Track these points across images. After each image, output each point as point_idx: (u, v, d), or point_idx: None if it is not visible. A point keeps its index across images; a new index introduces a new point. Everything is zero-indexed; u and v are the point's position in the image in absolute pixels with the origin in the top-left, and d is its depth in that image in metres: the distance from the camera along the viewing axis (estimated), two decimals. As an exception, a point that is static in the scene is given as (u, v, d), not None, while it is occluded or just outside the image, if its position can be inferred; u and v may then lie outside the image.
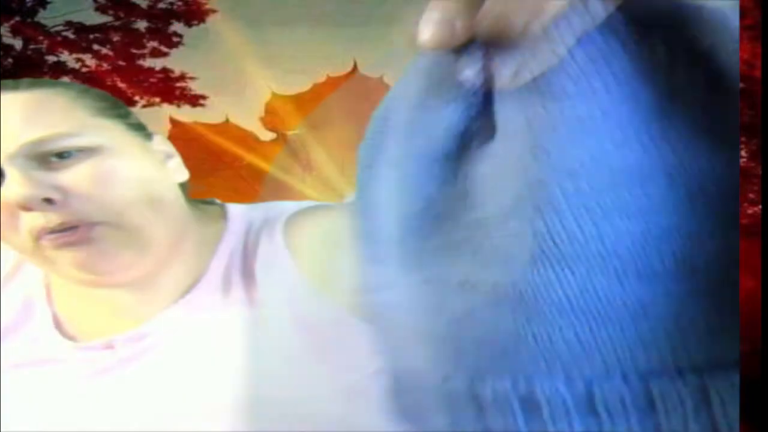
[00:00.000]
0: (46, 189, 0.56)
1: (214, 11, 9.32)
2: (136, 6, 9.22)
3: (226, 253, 0.65)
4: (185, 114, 9.92)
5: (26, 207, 0.56)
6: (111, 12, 9.24)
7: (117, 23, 9.35)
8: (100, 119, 0.61)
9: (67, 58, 9.39)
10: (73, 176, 0.58)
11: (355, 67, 1.78)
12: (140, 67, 9.51)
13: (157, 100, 9.39)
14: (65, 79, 9.29)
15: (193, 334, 0.62)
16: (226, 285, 0.63)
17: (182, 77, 9.53)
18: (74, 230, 0.57)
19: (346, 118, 1.72)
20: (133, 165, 0.61)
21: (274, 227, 0.65)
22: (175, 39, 9.48)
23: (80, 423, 0.60)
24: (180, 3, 9.34)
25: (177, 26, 9.42)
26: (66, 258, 0.58)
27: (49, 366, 0.63)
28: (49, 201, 0.56)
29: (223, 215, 0.68)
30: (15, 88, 0.60)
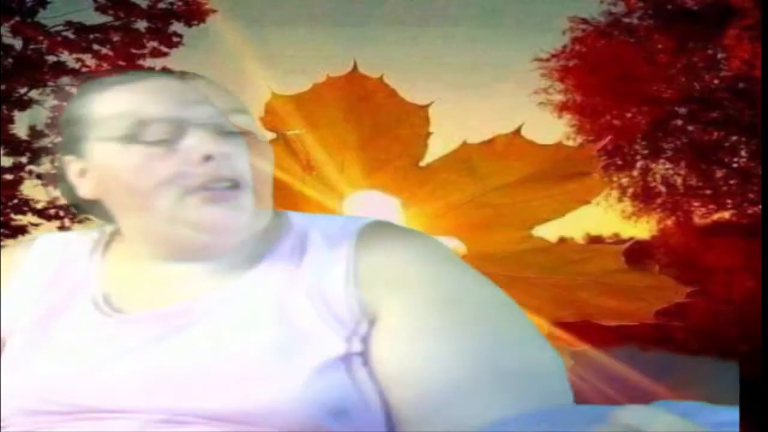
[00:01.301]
0: (228, 145, 0.69)
1: (214, 11, 9.34)
2: (136, 6, 9.23)
3: (283, 249, 0.73)
4: (185, 114, 9.86)
5: (209, 156, 0.68)
6: (111, 12, 9.25)
7: (117, 23, 9.36)
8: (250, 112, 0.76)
9: (67, 58, 9.40)
10: (243, 145, 0.71)
11: (355, 67, 1.77)
12: (140, 67, 9.52)
13: (157, 100, 9.40)
14: (65, 79, 9.28)
15: (236, 314, 0.67)
16: (275, 278, 0.70)
17: (182, 77, 9.56)
18: (234, 189, 0.69)
19: (346, 118, 1.72)
20: (270, 151, 0.76)
21: (342, 241, 0.71)
22: (175, 39, 9.50)
23: (129, 392, 0.64)
24: (180, 3, 9.36)
25: (177, 26, 9.44)
26: (205, 215, 0.68)
27: (98, 338, 0.68)
28: (228, 156, 0.69)
29: (282, 216, 0.78)
30: (198, 76, 0.74)
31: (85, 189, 0.74)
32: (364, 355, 0.66)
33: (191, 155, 0.68)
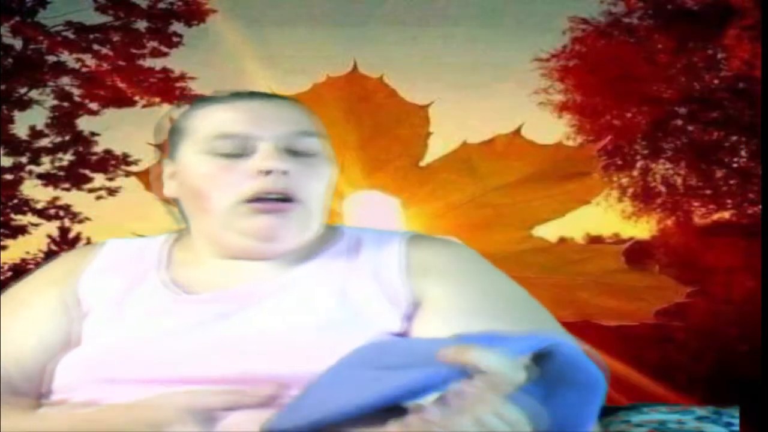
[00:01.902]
0: (288, 163, 0.78)
1: (214, 11, 9.32)
2: (136, 6, 9.22)
3: (339, 248, 0.83)
4: (185, 114, 9.82)
5: (269, 171, 0.77)
6: (111, 12, 9.23)
7: (117, 23, 9.34)
8: (322, 135, 0.85)
9: (67, 58, 9.39)
10: (305, 165, 0.80)
11: (355, 67, 1.77)
12: (140, 67, 9.51)
13: (157, 100, 9.38)
14: (65, 79, 9.28)
15: (298, 294, 0.77)
16: (333, 267, 0.80)
17: (182, 77, 9.54)
18: (285, 202, 0.77)
19: (346, 118, 1.72)
20: (332, 173, 0.84)
21: (393, 242, 0.82)
22: (175, 39, 9.48)
23: (196, 362, 0.70)
24: (180, 3, 9.34)
25: (177, 26, 9.43)
26: (254, 223, 0.77)
27: (167, 314, 0.77)
28: (285, 173, 0.77)
29: (335, 227, 0.87)
30: (286, 99, 0.85)
31: (169, 189, 0.86)
32: (409, 333, 0.75)
33: (252, 168, 0.77)
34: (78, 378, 0.73)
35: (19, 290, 0.84)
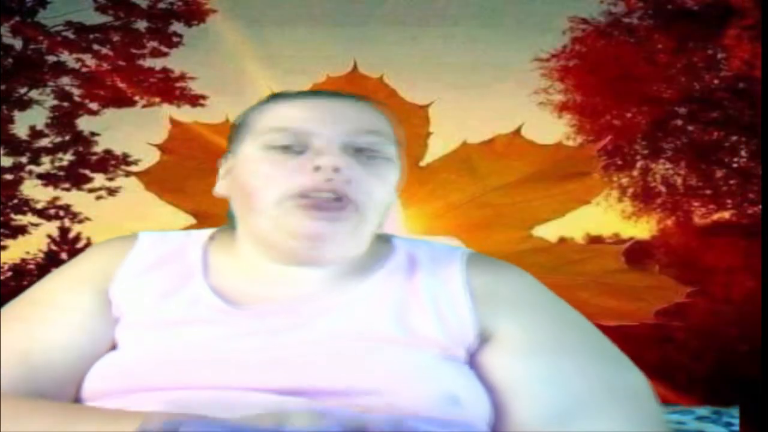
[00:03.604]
0: (342, 160, 0.72)
1: (214, 11, 9.33)
2: (136, 6, 9.22)
3: (393, 265, 0.78)
4: (185, 114, 9.86)
5: (318, 167, 0.71)
6: (111, 12, 9.24)
7: (117, 23, 9.35)
8: (395, 141, 0.79)
9: (67, 58, 9.40)
10: (364, 165, 0.74)
11: (355, 67, 1.77)
12: (140, 67, 9.51)
13: (157, 100, 9.39)
14: (65, 79, 9.28)
15: (354, 316, 0.73)
16: (390, 288, 0.76)
17: (182, 77, 9.54)
18: (336, 202, 0.71)
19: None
20: (396, 181, 0.78)
21: (451, 262, 0.78)
22: (175, 39, 9.49)
23: (229, 378, 0.67)
24: (180, 3, 9.34)
25: (177, 26, 9.43)
26: (302, 224, 0.71)
27: (210, 326, 0.72)
28: (336, 170, 0.71)
29: (385, 236, 0.82)
30: (357, 99, 0.79)
31: (221, 186, 0.81)
32: (470, 362, 0.73)
33: (304, 164, 0.72)
34: (113, 385, 0.69)
35: (46, 289, 0.78)
